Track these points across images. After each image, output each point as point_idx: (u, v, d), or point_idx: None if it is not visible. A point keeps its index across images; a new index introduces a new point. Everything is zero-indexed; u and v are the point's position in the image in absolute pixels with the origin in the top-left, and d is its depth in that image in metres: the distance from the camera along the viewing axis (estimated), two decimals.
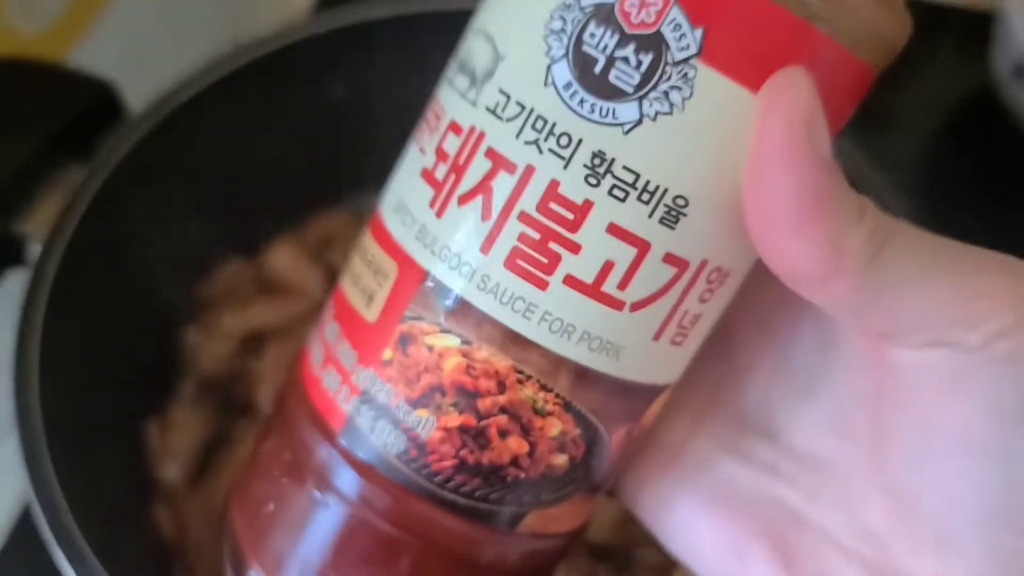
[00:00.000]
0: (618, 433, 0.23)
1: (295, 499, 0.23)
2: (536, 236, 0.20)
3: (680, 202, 0.20)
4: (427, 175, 0.22)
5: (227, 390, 0.39)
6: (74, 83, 0.41)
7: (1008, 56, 0.53)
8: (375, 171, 0.42)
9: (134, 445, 0.38)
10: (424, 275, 0.21)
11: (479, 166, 0.21)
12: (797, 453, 0.24)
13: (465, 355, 0.21)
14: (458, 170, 0.21)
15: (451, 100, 0.22)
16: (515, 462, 0.22)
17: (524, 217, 0.20)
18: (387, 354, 0.22)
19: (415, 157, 0.22)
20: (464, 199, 0.21)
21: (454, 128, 0.21)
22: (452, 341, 0.21)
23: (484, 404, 0.21)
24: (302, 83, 0.43)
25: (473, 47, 0.22)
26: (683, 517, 0.25)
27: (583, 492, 0.23)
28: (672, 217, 0.20)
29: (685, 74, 0.19)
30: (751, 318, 0.25)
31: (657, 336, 0.21)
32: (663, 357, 0.22)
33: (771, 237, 0.20)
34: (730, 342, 0.25)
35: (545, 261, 0.20)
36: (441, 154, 0.22)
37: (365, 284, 0.23)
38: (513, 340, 0.21)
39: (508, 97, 0.20)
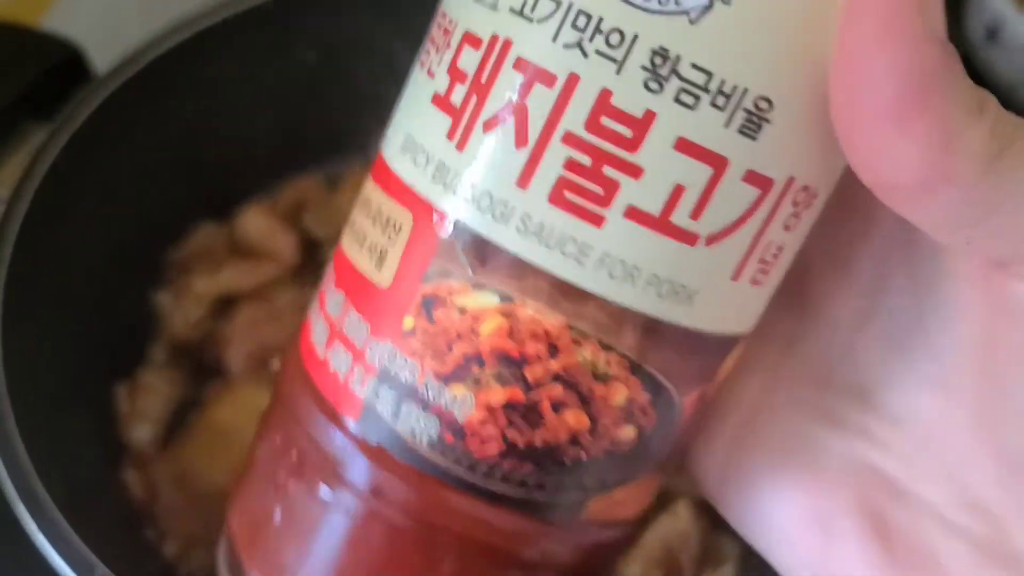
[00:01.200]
0: (691, 396, 0.19)
1: (305, 503, 0.19)
2: (586, 161, 0.16)
3: (762, 105, 0.16)
4: (440, 101, 0.18)
5: (198, 353, 0.39)
6: (39, 43, 0.40)
7: (980, 19, 0.51)
8: (350, 135, 0.41)
9: (103, 408, 0.37)
10: (447, 222, 0.17)
11: (507, 82, 0.17)
12: (891, 414, 0.20)
13: (506, 315, 0.17)
14: (480, 90, 0.17)
15: (461, 7, 0.18)
16: (574, 440, 0.18)
17: (570, 138, 0.16)
18: (408, 322, 0.18)
19: (423, 83, 0.18)
20: (491, 124, 0.17)
21: (470, 40, 0.17)
22: (489, 299, 0.17)
23: (533, 372, 0.18)
24: (272, 47, 0.41)
25: None
26: (760, 492, 0.21)
27: (652, 470, 0.20)
28: (753, 125, 0.16)
29: None
30: (827, 255, 0.21)
31: (737, 275, 0.18)
32: (742, 300, 0.18)
33: (866, 133, 0.16)
34: (804, 284, 0.21)
35: (600, 191, 0.17)
36: (456, 74, 0.18)
37: (373, 241, 0.19)
38: (565, 292, 0.17)
39: None
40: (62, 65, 0.38)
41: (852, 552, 0.20)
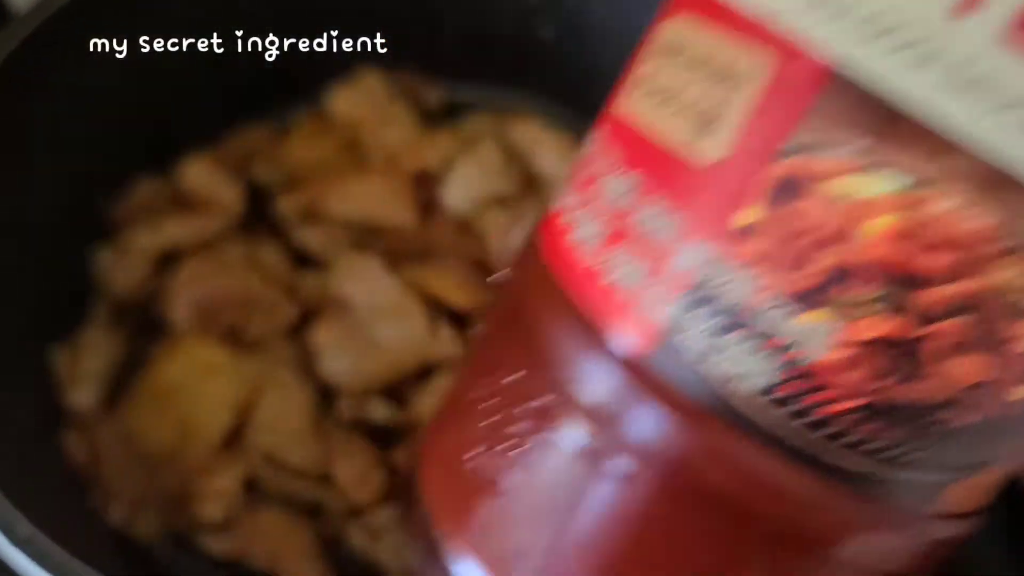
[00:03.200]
0: None
1: (553, 468, 0.14)
2: None
3: None
4: None
5: (142, 312, 0.36)
6: None
7: None
8: (303, 83, 0.37)
9: (42, 372, 0.34)
10: (833, 70, 0.12)
11: None
12: None
13: (909, 209, 0.12)
14: None
15: None
16: (962, 398, 0.13)
17: None
18: (747, 216, 0.13)
19: None
20: None
21: None
22: (887, 184, 0.12)
23: (932, 297, 0.12)
24: None
25: None
26: None
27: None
28: None
29: None
30: None
31: None
32: None
33: None
34: None
35: None
36: None
37: (693, 100, 0.13)
38: (1002, 182, 0.12)
39: None
40: None
41: None
